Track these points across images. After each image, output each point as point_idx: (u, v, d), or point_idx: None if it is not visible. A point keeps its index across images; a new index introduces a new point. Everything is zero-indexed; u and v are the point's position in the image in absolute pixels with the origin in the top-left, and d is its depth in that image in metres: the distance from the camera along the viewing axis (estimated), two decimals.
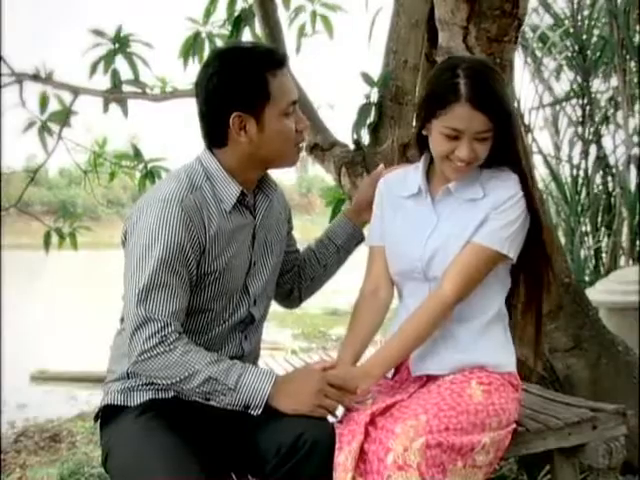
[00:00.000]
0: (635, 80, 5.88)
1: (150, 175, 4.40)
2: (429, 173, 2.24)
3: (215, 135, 2.13)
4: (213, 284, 2.12)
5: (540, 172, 6.28)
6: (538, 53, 6.27)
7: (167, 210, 2.02)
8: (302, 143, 2.20)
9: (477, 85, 2.03)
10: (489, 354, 2.13)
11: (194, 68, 4.31)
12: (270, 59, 2.09)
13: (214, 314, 2.15)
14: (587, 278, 5.88)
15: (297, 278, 2.49)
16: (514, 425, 2.13)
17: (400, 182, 2.29)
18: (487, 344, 2.14)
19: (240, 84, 2.05)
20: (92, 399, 7.55)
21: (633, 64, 5.78)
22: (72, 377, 8.73)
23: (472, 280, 2.08)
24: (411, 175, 2.27)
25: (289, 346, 9.57)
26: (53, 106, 4.24)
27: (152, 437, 1.98)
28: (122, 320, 2.19)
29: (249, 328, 2.25)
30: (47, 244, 4.44)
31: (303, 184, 41.46)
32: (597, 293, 4.57)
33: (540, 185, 5.63)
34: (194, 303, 2.10)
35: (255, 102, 2.06)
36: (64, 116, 4.19)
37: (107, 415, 2.13)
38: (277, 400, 1.98)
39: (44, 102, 4.20)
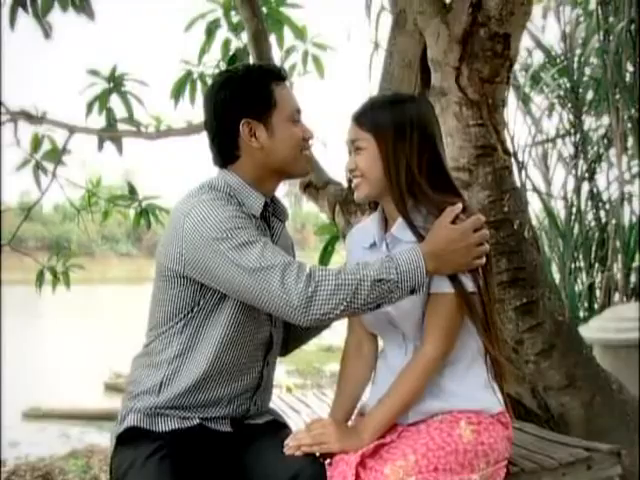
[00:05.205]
0: (627, 117, 5.92)
1: (145, 213, 4.43)
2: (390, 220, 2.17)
3: (227, 147, 2.15)
4: None
5: (534, 208, 6.33)
6: (529, 91, 6.32)
7: (217, 200, 2.05)
8: (309, 151, 2.23)
9: (361, 106, 2.14)
10: (473, 400, 2.07)
11: (189, 107, 4.36)
12: (273, 72, 2.20)
13: (242, 328, 2.10)
14: (581, 314, 5.87)
15: None
16: (505, 462, 2.10)
17: (363, 232, 2.24)
18: (470, 388, 2.08)
19: (247, 93, 2.12)
20: (84, 437, 7.49)
21: (622, 102, 5.82)
22: (64, 414, 8.67)
23: (450, 330, 2.02)
24: (370, 224, 2.22)
25: (283, 382, 9.53)
26: (48, 144, 4.28)
27: None
28: (149, 333, 2.17)
29: (270, 353, 2.22)
30: (40, 283, 4.46)
31: (297, 219, 41.48)
32: (591, 330, 4.55)
33: (534, 222, 5.64)
34: (228, 314, 2.07)
35: (262, 109, 2.12)
36: (58, 155, 4.23)
37: (128, 434, 2.09)
38: (433, 269, 1.95)
39: (36, 143, 4.24)
